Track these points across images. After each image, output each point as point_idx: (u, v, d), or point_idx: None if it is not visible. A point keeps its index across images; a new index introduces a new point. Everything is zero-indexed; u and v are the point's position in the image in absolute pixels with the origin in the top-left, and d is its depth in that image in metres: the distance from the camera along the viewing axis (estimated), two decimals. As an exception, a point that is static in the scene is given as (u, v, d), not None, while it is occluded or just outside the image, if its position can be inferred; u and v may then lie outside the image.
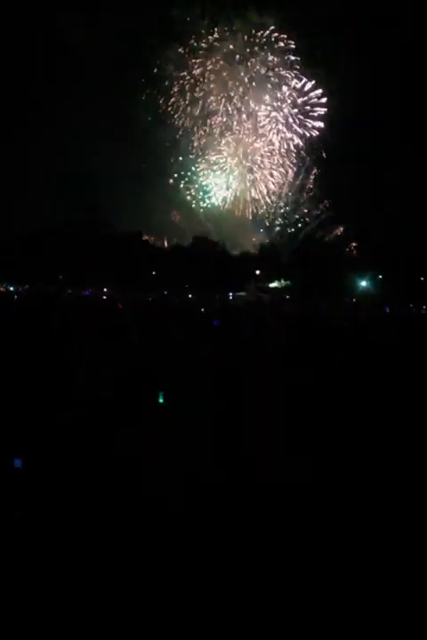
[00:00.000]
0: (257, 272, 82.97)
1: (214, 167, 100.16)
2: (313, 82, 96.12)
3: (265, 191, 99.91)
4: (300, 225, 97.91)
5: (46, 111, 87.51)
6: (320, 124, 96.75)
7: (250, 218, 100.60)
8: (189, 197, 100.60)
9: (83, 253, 71.84)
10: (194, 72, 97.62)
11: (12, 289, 71.72)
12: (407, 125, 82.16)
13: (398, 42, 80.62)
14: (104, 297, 66.89)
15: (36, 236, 74.19)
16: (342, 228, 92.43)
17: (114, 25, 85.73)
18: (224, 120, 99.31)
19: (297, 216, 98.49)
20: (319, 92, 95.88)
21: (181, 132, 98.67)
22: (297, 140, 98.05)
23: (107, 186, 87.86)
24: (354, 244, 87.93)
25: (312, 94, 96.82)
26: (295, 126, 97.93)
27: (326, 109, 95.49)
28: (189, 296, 73.76)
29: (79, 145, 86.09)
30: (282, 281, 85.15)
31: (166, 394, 11.20)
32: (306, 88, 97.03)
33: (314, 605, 4.91)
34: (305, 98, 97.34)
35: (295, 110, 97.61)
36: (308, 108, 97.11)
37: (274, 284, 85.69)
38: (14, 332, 19.25)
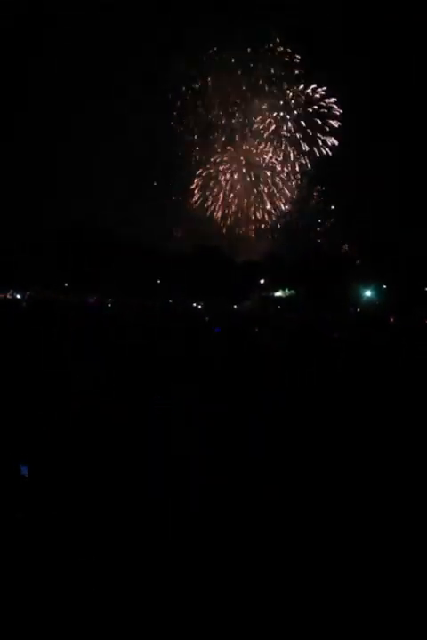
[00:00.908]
0: (262, 281, 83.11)
1: (212, 182, 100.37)
2: (320, 93, 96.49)
3: (269, 206, 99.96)
4: (305, 234, 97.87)
5: (47, 115, 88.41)
6: (327, 139, 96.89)
7: (253, 235, 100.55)
8: (191, 209, 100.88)
9: (86, 260, 72.29)
10: (195, 85, 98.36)
11: (18, 297, 72.18)
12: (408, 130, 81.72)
13: (398, 44, 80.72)
14: (109, 305, 67.23)
15: (38, 240, 74.67)
16: (347, 247, 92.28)
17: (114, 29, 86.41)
18: (227, 133, 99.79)
19: (302, 226, 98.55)
20: (330, 100, 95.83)
21: (183, 146, 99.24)
22: (302, 156, 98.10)
23: (109, 195, 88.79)
24: (358, 262, 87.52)
25: (319, 105, 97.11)
26: (301, 141, 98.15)
27: (338, 123, 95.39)
28: (193, 304, 73.91)
29: (81, 154, 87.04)
30: (287, 290, 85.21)
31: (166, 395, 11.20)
32: (312, 100, 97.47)
33: (314, 605, 4.86)
34: (312, 109, 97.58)
35: (302, 123, 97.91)
36: (318, 120, 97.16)
37: (278, 293, 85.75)
38: (17, 333, 19.37)
